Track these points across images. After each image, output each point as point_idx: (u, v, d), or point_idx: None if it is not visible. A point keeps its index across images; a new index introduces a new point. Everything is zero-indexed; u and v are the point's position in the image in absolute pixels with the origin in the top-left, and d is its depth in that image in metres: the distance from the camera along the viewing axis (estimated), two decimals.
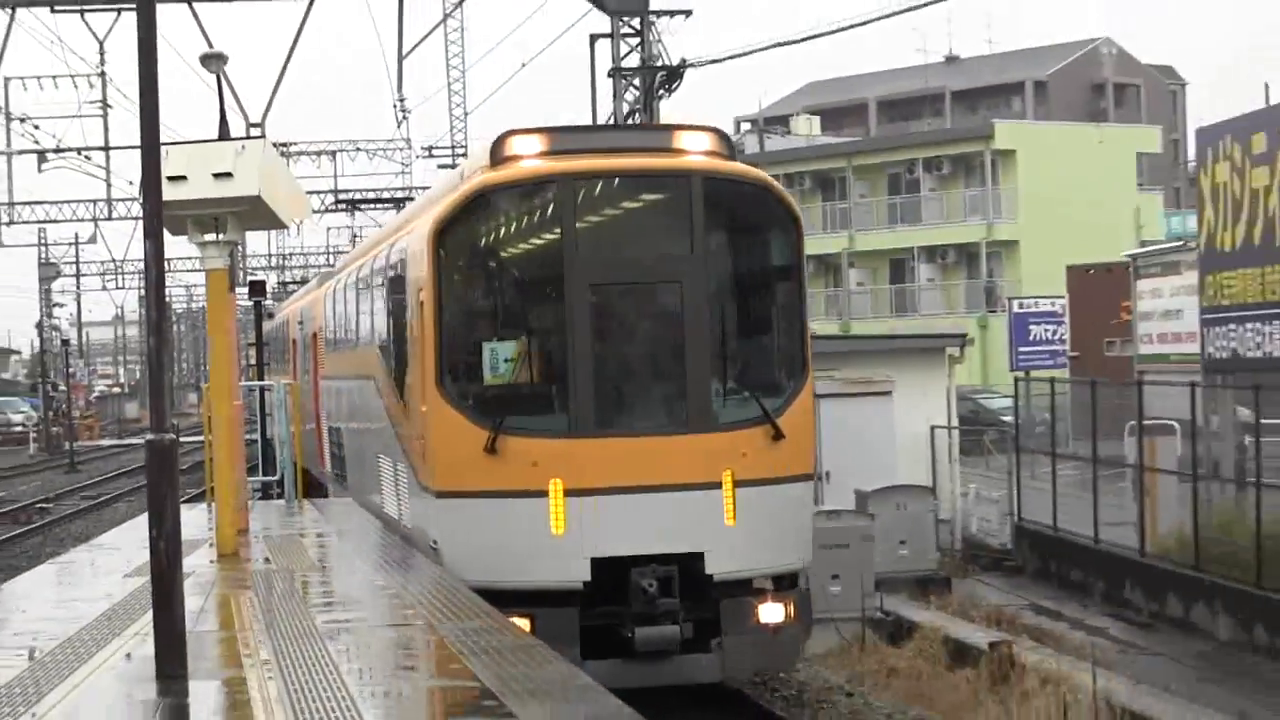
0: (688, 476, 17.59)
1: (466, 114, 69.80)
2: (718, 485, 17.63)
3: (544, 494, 17.47)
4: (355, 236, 65.22)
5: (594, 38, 38.88)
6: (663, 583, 17.24)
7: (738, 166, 18.90)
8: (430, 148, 66.07)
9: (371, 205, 59.28)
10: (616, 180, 18.65)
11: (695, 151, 18.51)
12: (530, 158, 18.31)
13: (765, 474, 17.84)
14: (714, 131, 18.95)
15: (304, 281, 54.48)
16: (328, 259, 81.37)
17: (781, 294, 18.96)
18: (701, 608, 17.66)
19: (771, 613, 17.96)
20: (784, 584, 18.28)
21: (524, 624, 15.97)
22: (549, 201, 18.28)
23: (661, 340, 18.47)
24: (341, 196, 65.49)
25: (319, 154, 71.54)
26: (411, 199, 36.99)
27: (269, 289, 52.65)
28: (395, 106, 53.79)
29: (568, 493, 17.45)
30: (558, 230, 18.10)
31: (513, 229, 19.01)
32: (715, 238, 18.50)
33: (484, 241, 18.87)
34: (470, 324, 18.59)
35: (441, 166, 61.16)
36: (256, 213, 19.18)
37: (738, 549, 17.70)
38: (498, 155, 18.35)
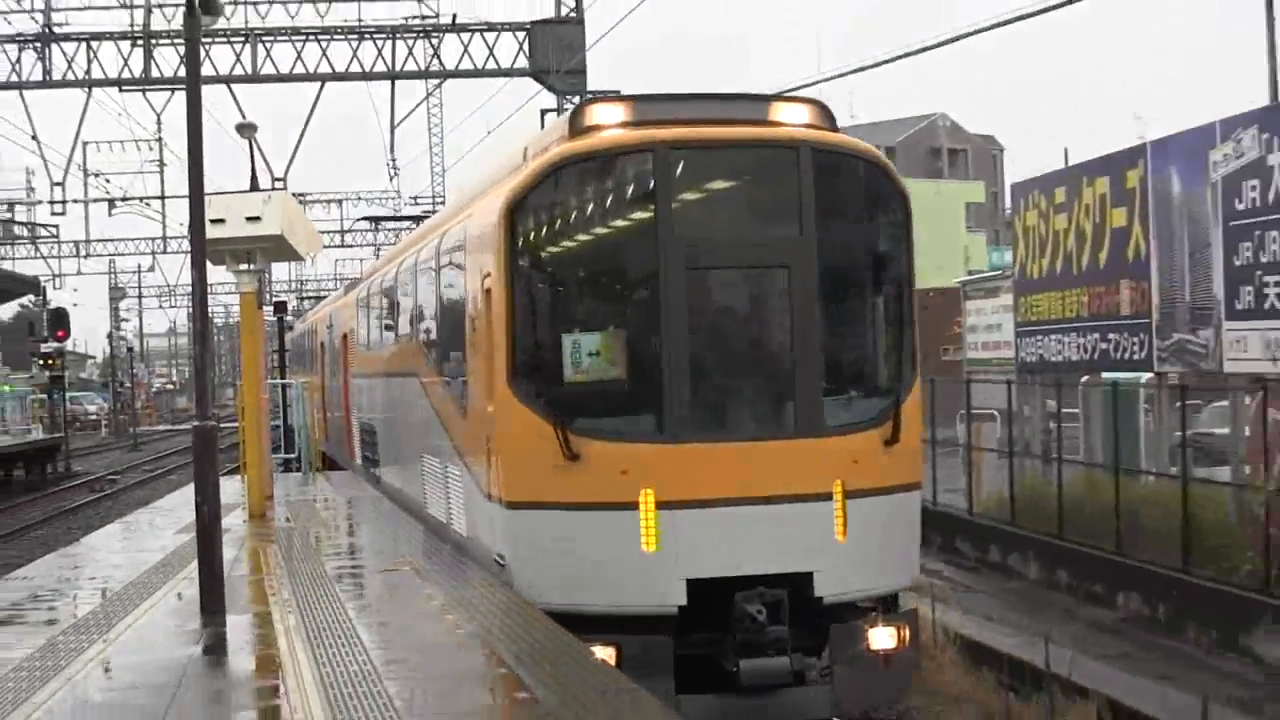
0: (796, 487, 12.29)
1: (445, 171, 69.95)
2: (829, 496, 12.37)
3: (634, 506, 12.06)
4: (378, 249, 65.00)
5: (544, 112, 38.85)
6: (771, 608, 12.04)
7: (846, 139, 13.39)
8: (416, 197, 66.03)
9: (389, 222, 59.51)
10: (716, 152, 12.94)
11: (796, 124, 13.14)
12: (614, 127, 12.94)
13: (878, 483, 12.65)
14: (814, 103, 13.53)
15: (319, 299, 54.16)
16: (335, 283, 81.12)
17: (893, 282, 13.37)
18: (808, 635, 12.40)
19: (884, 638, 12.62)
20: (888, 605, 13.08)
21: (609, 653, 11.45)
22: (641, 174, 12.72)
23: (767, 332, 13.06)
24: (367, 214, 66.72)
25: (329, 201, 72.15)
26: (426, 216, 35.31)
27: (289, 307, 52.46)
28: (388, 164, 53.51)
29: (660, 505, 12.06)
30: (651, 207, 12.54)
31: (597, 206, 13.21)
32: (825, 217, 12.82)
33: (565, 219, 13.14)
34: (548, 313, 12.78)
35: (426, 213, 60.96)
36: (280, 248, 19.18)
37: (849, 568, 12.47)
38: (577, 125, 13.02)
